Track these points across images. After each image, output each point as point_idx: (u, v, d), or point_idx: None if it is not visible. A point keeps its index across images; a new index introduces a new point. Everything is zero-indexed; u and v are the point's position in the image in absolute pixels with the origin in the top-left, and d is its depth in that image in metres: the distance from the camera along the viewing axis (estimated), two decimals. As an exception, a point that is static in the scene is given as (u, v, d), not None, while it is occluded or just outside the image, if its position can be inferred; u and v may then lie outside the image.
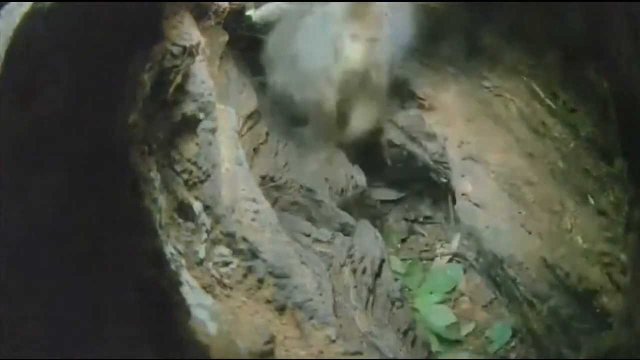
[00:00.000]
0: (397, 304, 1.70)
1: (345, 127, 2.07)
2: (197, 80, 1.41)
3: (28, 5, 1.09)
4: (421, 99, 2.16)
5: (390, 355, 1.51)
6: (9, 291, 0.92)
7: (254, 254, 1.41)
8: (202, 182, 1.40)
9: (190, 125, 1.41)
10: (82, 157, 1.02)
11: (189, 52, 1.34)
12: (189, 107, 1.39)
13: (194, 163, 1.39)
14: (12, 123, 1.00)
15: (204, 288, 1.28)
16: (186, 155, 1.39)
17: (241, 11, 1.98)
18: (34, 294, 0.93)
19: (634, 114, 1.37)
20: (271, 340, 1.22)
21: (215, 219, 1.40)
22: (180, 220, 1.35)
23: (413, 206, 2.43)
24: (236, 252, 1.40)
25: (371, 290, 1.69)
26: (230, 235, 1.40)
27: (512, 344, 1.88)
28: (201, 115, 1.42)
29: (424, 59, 2.22)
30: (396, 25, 1.97)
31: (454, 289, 2.09)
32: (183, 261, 1.27)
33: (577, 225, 1.71)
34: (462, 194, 1.99)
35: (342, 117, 2.04)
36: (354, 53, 1.89)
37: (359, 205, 2.25)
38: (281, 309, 1.37)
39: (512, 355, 1.85)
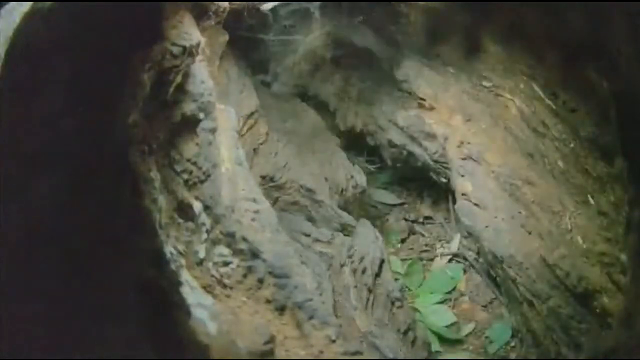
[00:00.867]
0: (397, 304, 1.70)
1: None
2: (197, 80, 1.41)
3: (28, 5, 1.09)
4: (421, 99, 2.17)
5: (390, 355, 1.51)
6: (9, 291, 0.92)
7: (254, 254, 1.41)
8: (202, 182, 1.40)
9: (190, 125, 1.41)
10: (82, 157, 1.02)
11: (189, 52, 1.34)
12: (189, 107, 1.39)
13: (194, 163, 1.39)
14: (12, 123, 1.00)
15: (204, 288, 1.28)
16: (186, 155, 1.38)
17: (241, 11, 1.98)
18: (34, 294, 0.93)
19: (634, 114, 1.37)
20: (271, 340, 1.21)
21: (215, 219, 1.40)
22: (180, 220, 1.35)
23: (413, 206, 2.44)
24: (236, 252, 1.40)
25: (371, 290, 1.69)
26: (230, 235, 1.40)
27: (512, 344, 1.88)
28: (201, 115, 1.42)
29: (424, 59, 2.22)
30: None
31: (454, 289, 2.09)
32: (183, 261, 1.27)
33: (577, 225, 1.71)
34: (462, 194, 1.99)
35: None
36: None
37: (359, 205, 2.25)
38: (281, 309, 1.37)
39: (512, 355, 1.85)
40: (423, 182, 2.39)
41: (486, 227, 1.87)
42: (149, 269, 1.06)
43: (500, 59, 2.05)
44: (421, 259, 2.21)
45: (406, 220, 2.37)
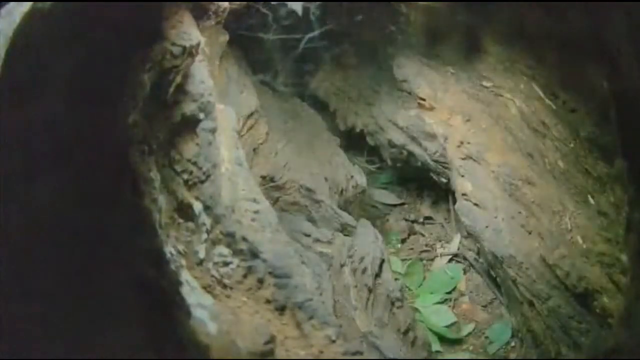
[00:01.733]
0: (397, 304, 1.70)
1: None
2: (197, 80, 1.41)
3: (28, 5, 1.09)
4: (421, 99, 2.17)
5: (390, 355, 1.51)
6: (9, 291, 0.92)
7: (254, 254, 1.41)
8: (202, 182, 1.40)
9: (190, 125, 1.40)
10: (82, 157, 1.02)
11: (189, 52, 1.34)
12: (189, 107, 1.39)
13: (194, 163, 1.39)
14: (12, 123, 1.00)
15: (204, 288, 1.28)
16: (186, 155, 1.38)
17: (242, 11, 1.98)
18: (34, 294, 0.93)
19: (634, 114, 1.37)
20: (271, 340, 1.21)
21: (215, 219, 1.40)
22: (180, 220, 1.35)
23: (413, 206, 2.44)
24: (236, 252, 1.40)
25: (371, 290, 1.69)
26: (230, 235, 1.40)
27: (512, 344, 1.88)
28: (201, 115, 1.42)
29: (424, 59, 2.22)
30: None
31: (454, 289, 2.09)
32: (183, 261, 1.27)
33: (577, 225, 1.71)
34: (462, 194, 1.99)
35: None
36: None
37: (359, 205, 2.25)
38: (281, 309, 1.37)
39: (512, 355, 1.85)
40: (423, 182, 2.39)
41: (486, 227, 1.87)
42: (149, 269, 1.06)
43: (500, 59, 2.05)
44: (421, 259, 2.21)
45: (406, 220, 2.37)
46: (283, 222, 1.64)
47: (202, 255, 1.35)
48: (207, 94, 1.43)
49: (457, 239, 2.25)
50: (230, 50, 1.96)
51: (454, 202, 2.08)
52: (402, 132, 2.21)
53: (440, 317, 1.98)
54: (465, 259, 2.18)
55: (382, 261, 1.78)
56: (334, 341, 1.35)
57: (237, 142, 1.59)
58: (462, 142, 2.03)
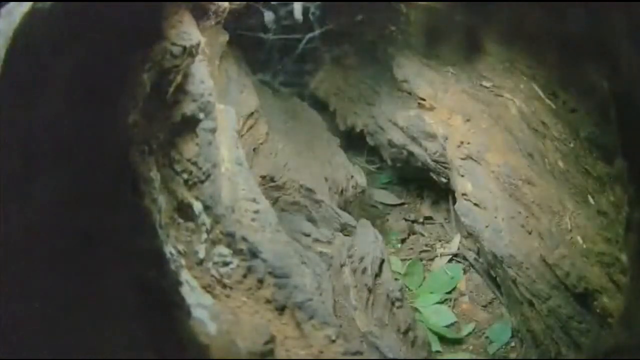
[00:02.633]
0: (397, 304, 1.70)
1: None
2: (197, 80, 1.41)
3: (28, 5, 1.09)
4: (421, 99, 2.17)
5: (390, 355, 1.51)
6: (9, 291, 0.92)
7: (254, 254, 1.40)
8: (202, 182, 1.40)
9: (190, 125, 1.40)
10: (82, 157, 1.02)
11: (189, 52, 1.34)
12: (189, 107, 1.39)
13: (194, 163, 1.39)
14: (12, 123, 1.00)
15: (204, 288, 1.28)
16: (186, 155, 1.38)
17: (241, 11, 1.98)
18: (34, 294, 0.93)
19: (634, 114, 1.37)
20: (271, 340, 1.21)
21: (215, 219, 1.40)
22: (180, 220, 1.35)
23: (413, 206, 2.44)
24: (236, 252, 1.40)
25: (371, 290, 1.69)
26: (230, 235, 1.40)
27: (512, 344, 1.88)
28: (201, 115, 1.42)
29: (424, 59, 2.22)
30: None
31: (454, 289, 2.09)
32: (183, 261, 1.27)
33: (577, 225, 1.71)
34: (462, 194, 1.99)
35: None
36: None
37: (359, 205, 2.25)
38: (281, 309, 1.37)
39: (512, 355, 1.85)
40: (423, 182, 2.39)
41: (486, 227, 1.87)
42: (149, 269, 1.06)
43: (500, 59, 2.05)
44: (421, 259, 2.21)
45: (406, 220, 2.37)
46: (283, 222, 1.64)
47: (202, 255, 1.35)
48: (207, 94, 1.43)
49: (457, 239, 2.25)
50: (230, 50, 1.96)
51: (454, 202, 2.08)
52: (402, 132, 2.21)
53: (440, 317, 1.98)
54: (465, 259, 2.18)
55: (382, 261, 1.78)
56: (334, 341, 1.35)
57: (237, 142, 1.59)
58: (462, 142, 2.03)
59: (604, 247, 1.62)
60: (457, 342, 1.92)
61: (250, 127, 1.97)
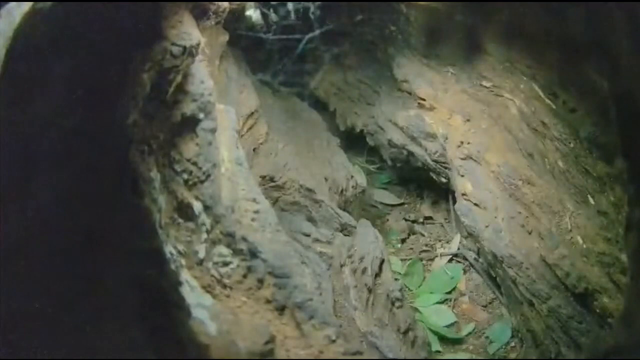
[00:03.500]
0: (397, 304, 1.70)
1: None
2: (196, 80, 1.41)
3: (28, 5, 1.09)
4: (421, 99, 2.17)
5: (390, 355, 1.51)
6: (9, 290, 0.92)
7: (254, 254, 1.40)
8: (202, 182, 1.40)
9: (190, 125, 1.40)
10: (82, 157, 1.02)
11: (189, 52, 1.34)
12: (189, 107, 1.39)
13: (194, 163, 1.39)
14: (12, 123, 1.00)
15: (204, 288, 1.28)
16: (186, 155, 1.38)
17: (241, 11, 1.98)
18: (34, 293, 0.93)
19: (634, 114, 1.37)
20: (271, 340, 1.21)
21: (215, 219, 1.40)
22: (180, 220, 1.35)
23: (413, 206, 2.44)
24: (236, 252, 1.40)
25: (371, 290, 1.69)
26: (230, 235, 1.40)
27: (512, 344, 1.88)
28: (201, 115, 1.42)
29: (424, 59, 2.22)
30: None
31: (454, 289, 2.09)
32: (183, 261, 1.27)
33: (577, 225, 1.71)
34: (462, 194, 1.99)
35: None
36: None
37: (359, 205, 2.25)
38: (281, 309, 1.37)
39: (512, 355, 1.85)
40: (423, 182, 2.39)
41: (486, 227, 1.87)
42: (149, 268, 1.06)
43: (500, 59, 2.05)
44: (421, 259, 2.21)
45: (406, 220, 2.37)
46: (283, 222, 1.64)
47: (202, 255, 1.35)
48: (207, 94, 1.43)
49: (457, 239, 2.25)
50: (230, 50, 1.96)
51: (454, 202, 2.08)
52: (402, 132, 2.21)
53: (440, 317, 1.98)
54: (465, 259, 2.18)
55: (382, 261, 1.78)
56: (334, 341, 1.35)
57: (237, 142, 1.59)
58: (462, 142, 2.03)
59: (604, 247, 1.62)
60: (457, 342, 1.92)
61: (250, 127, 1.97)
